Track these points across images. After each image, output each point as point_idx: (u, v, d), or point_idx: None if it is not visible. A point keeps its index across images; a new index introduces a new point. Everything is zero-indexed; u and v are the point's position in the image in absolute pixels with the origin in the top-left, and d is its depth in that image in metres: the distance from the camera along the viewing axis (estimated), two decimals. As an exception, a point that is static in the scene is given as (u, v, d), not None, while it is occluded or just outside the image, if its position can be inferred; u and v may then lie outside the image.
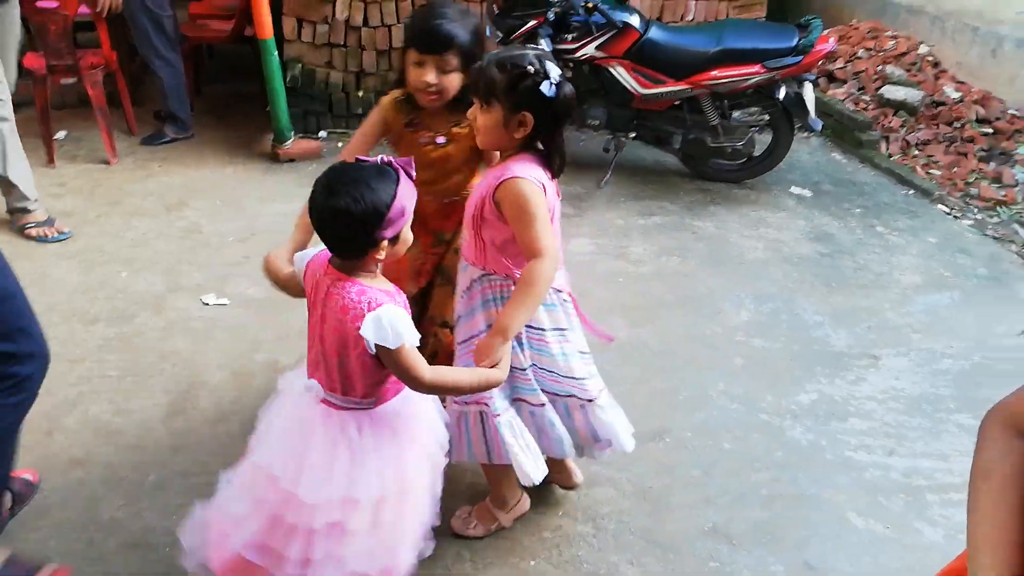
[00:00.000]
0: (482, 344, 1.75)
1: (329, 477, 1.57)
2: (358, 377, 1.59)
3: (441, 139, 2.07)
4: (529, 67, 1.71)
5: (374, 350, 1.51)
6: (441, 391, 1.73)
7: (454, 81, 1.97)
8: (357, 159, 1.56)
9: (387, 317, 1.48)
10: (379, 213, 1.47)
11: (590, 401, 1.99)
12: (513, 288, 1.81)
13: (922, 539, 2.25)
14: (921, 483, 2.44)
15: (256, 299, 3.13)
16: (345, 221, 1.47)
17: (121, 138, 4.45)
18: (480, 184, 1.90)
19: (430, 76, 1.95)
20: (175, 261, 3.35)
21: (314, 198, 1.52)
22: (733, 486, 2.38)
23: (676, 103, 4.16)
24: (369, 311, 1.49)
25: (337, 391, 1.62)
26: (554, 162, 1.84)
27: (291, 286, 1.77)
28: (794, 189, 4.38)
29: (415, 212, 1.57)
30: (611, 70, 4.08)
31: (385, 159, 1.54)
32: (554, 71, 1.73)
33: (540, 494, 2.30)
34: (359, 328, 1.49)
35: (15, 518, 2.11)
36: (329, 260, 1.59)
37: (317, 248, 1.65)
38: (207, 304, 3.09)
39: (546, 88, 1.70)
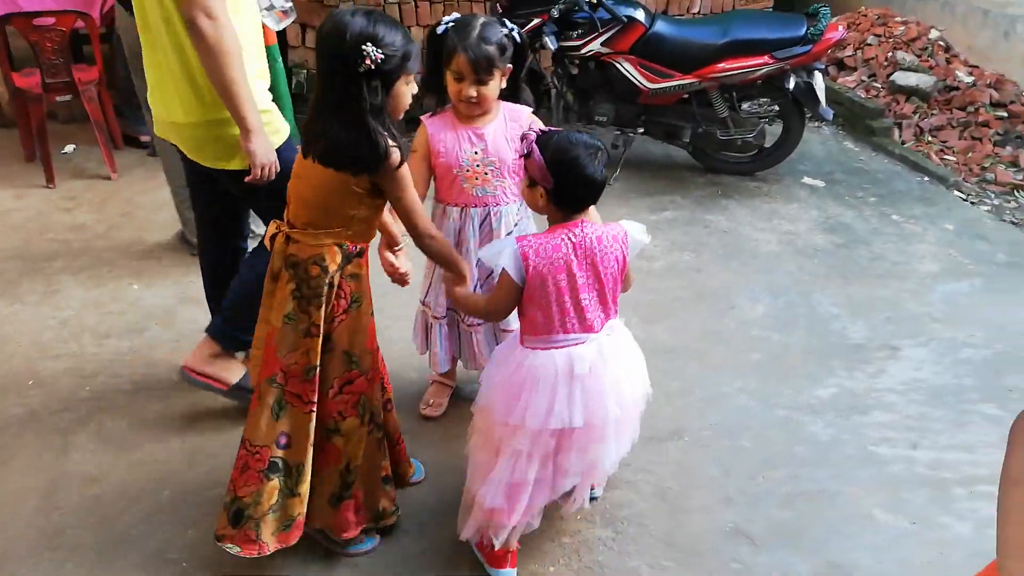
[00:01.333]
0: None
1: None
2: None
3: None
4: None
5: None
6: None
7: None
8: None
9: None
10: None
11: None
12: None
13: (949, 533, 2.20)
14: (947, 476, 2.39)
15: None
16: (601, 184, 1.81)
17: (130, 150, 4.46)
18: None
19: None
20: (185, 272, 3.35)
21: (584, 165, 1.74)
22: (753, 485, 2.34)
23: (684, 97, 4.12)
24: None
25: (613, 315, 1.91)
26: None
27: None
28: (806, 180, 4.32)
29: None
30: (618, 65, 4.04)
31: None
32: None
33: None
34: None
35: (27, 542, 2.11)
36: (571, 225, 1.80)
37: (503, 251, 1.79)
38: (218, 315, 3.08)
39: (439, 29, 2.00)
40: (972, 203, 4.14)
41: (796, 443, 2.51)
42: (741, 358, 2.89)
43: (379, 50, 1.61)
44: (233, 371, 2.51)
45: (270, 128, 2.20)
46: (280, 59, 4.12)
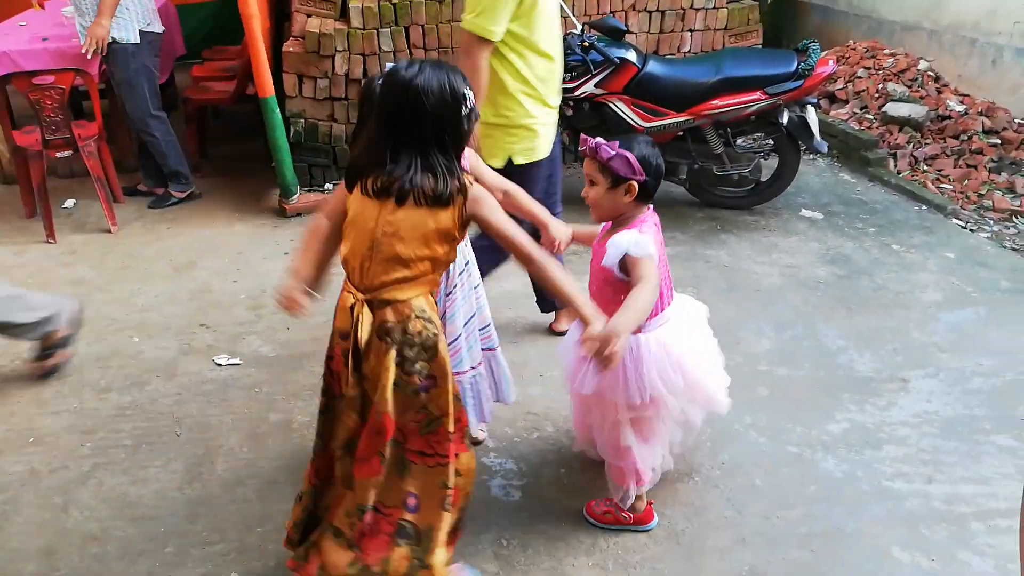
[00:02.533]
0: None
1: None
2: None
3: None
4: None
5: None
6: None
7: None
8: None
9: None
10: None
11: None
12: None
13: (970, 571, 2.15)
14: (964, 510, 2.34)
15: (268, 357, 3.10)
16: None
17: (130, 202, 4.48)
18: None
19: None
20: (186, 324, 3.34)
21: (660, 158, 2.03)
22: (768, 525, 2.29)
23: (679, 134, 4.15)
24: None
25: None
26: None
27: None
28: (804, 212, 4.34)
29: None
30: (611, 106, 4.08)
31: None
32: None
33: (568, 543, 2.22)
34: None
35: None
36: (651, 213, 2.11)
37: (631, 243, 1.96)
38: (220, 365, 3.05)
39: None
40: (971, 230, 4.15)
41: (810, 481, 2.46)
42: (749, 393, 2.86)
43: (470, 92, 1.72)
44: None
45: (527, 144, 2.68)
46: (278, 110, 4.18)
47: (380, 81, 1.77)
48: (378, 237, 1.72)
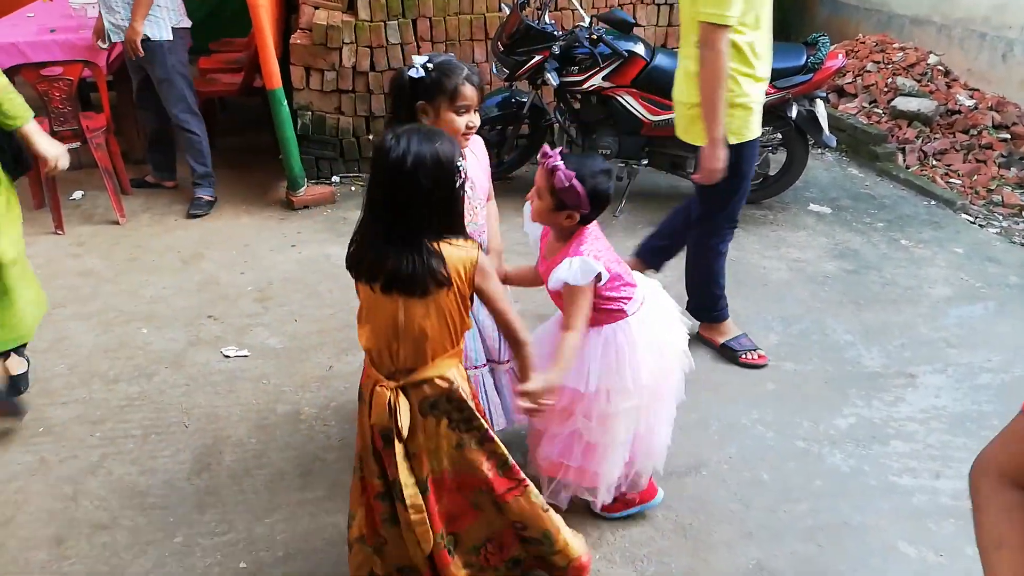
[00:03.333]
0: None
1: None
2: None
3: None
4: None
5: None
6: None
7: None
8: None
9: None
10: None
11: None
12: None
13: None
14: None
15: (275, 348, 3.11)
16: None
17: (137, 194, 4.49)
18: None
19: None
20: (194, 315, 3.35)
21: (610, 189, 2.01)
22: (774, 519, 2.30)
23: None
24: None
25: None
26: None
27: None
28: (813, 207, 4.32)
29: None
30: (619, 99, 4.07)
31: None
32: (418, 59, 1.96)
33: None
34: None
35: (41, 588, 2.07)
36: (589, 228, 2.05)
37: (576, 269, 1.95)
38: (227, 356, 3.06)
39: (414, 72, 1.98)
40: (980, 225, 4.13)
41: (816, 475, 2.46)
42: (757, 388, 2.86)
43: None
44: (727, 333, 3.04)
45: (742, 123, 2.66)
46: (285, 102, 4.18)
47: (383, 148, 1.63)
48: (401, 323, 1.66)
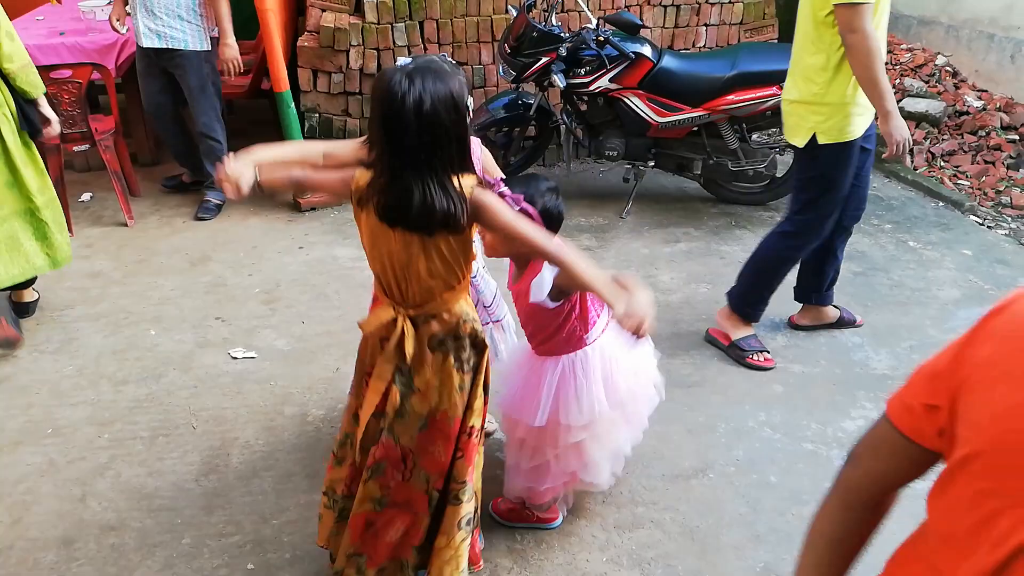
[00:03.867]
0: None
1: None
2: None
3: None
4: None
5: None
6: None
7: None
8: None
9: None
10: None
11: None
12: None
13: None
14: (981, 509, 2.32)
15: (283, 350, 3.12)
16: None
17: (146, 196, 4.51)
18: None
19: None
20: (202, 317, 3.36)
21: (562, 208, 2.04)
22: (783, 522, 2.29)
23: (694, 129, 4.13)
24: None
25: None
26: None
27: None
28: (820, 208, 4.30)
29: None
30: (626, 101, 4.06)
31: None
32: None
33: (582, 538, 2.23)
34: None
35: (50, 589, 2.08)
36: None
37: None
38: (235, 358, 3.07)
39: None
40: (989, 227, 4.11)
41: (824, 478, 2.43)
42: (764, 390, 2.85)
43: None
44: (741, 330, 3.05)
45: (840, 124, 2.66)
46: (293, 104, 4.19)
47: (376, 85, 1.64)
48: (405, 259, 1.67)
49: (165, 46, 3.94)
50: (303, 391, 2.88)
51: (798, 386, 2.88)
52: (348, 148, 1.87)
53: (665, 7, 4.89)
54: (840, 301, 3.43)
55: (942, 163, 4.77)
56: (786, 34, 5.31)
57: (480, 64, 4.66)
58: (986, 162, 4.70)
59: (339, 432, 1.99)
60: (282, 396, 2.86)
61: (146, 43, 3.96)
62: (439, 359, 1.75)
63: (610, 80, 4.02)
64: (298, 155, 1.87)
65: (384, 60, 4.50)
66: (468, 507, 1.87)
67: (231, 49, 3.99)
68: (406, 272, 1.69)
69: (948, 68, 5.40)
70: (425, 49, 4.54)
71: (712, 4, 4.93)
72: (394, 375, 1.77)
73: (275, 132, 4.53)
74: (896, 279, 3.60)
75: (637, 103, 4.05)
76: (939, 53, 5.50)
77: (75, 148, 4.16)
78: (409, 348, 1.73)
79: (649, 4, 4.86)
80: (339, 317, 3.33)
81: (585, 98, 4.18)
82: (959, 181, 4.58)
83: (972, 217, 4.20)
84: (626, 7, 4.78)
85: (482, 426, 1.90)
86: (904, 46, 5.67)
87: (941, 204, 4.34)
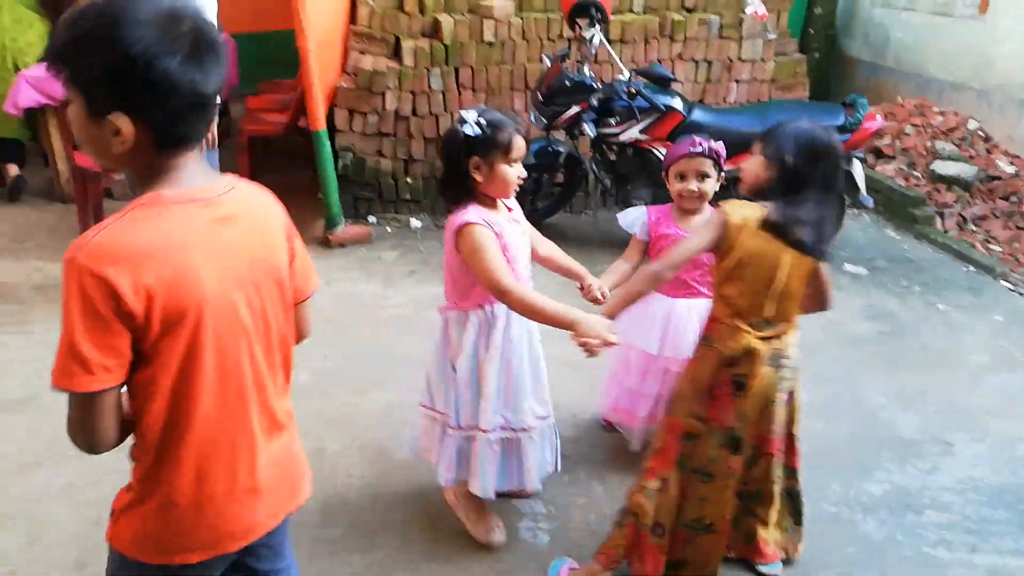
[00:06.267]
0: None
1: None
2: None
3: None
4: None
5: None
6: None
7: None
8: None
9: None
10: None
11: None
12: None
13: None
14: (1011, 583, 2.25)
15: (302, 384, 3.13)
16: None
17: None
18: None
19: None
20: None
21: None
22: (803, 585, 2.23)
23: (723, 184, 4.14)
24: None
25: None
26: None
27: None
28: (848, 267, 4.28)
29: None
30: (655, 152, 4.10)
31: None
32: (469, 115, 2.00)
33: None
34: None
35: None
36: None
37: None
38: (256, 390, 3.08)
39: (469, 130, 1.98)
40: (1021, 293, 4.05)
41: (848, 542, 2.39)
42: (786, 448, 2.80)
43: None
44: None
45: None
46: (328, 143, 4.28)
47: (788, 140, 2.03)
48: (779, 276, 1.91)
49: None
50: (320, 425, 2.87)
51: (822, 445, 2.82)
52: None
53: (696, 62, 4.97)
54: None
55: (973, 227, 4.74)
56: (818, 94, 5.36)
57: (513, 111, 4.74)
58: (1018, 228, 4.66)
59: None
60: (299, 430, 2.85)
61: None
62: (774, 375, 2.03)
63: (640, 131, 4.07)
64: (630, 268, 2.50)
65: (418, 103, 4.60)
66: None
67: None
68: (775, 290, 1.99)
69: (980, 132, 5.39)
70: (460, 94, 4.64)
71: (744, 61, 4.99)
72: None
73: (307, 167, 4.63)
74: (924, 341, 3.55)
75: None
76: (971, 117, 5.50)
77: (115, 176, 4.27)
78: (757, 368, 2.02)
79: (680, 59, 4.94)
80: (359, 353, 3.34)
81: (615, 148, 4.23)
82: (991, 246, 4.54)
83: (1003, 282, 4.15)
84: (658, 60, 4.86)
85: None
86: (936, 109, 5.68)
87: (972, 268, 4.30)
